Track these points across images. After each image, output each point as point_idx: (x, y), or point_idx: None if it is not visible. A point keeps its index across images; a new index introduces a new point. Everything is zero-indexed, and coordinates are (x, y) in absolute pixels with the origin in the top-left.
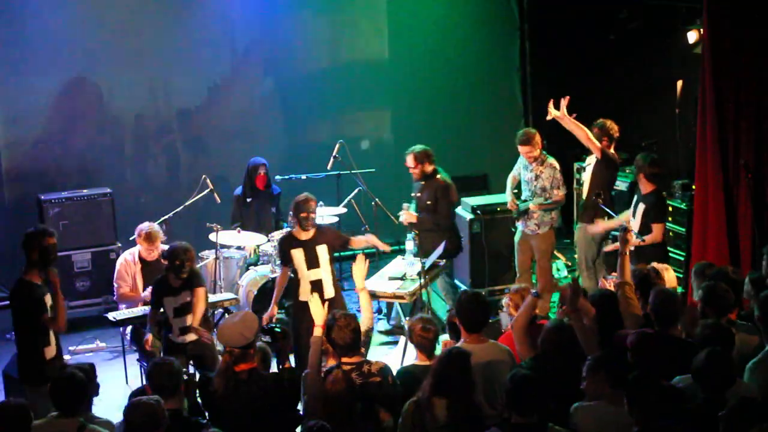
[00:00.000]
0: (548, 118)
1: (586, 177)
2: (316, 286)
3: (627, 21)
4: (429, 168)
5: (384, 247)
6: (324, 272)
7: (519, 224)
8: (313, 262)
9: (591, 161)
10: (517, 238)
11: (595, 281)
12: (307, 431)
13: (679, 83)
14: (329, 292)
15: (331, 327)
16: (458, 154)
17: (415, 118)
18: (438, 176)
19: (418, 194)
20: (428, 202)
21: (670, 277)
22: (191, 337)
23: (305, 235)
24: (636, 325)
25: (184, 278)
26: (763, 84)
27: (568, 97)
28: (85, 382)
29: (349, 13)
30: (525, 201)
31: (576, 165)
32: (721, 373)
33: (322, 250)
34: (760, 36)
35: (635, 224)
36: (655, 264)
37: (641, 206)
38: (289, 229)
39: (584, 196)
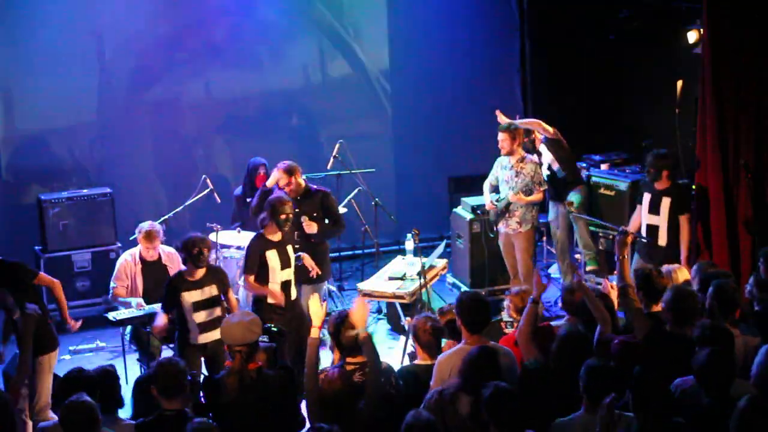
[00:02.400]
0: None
1: (549, 159)
2: (286, 286)
3: (627, 21)
4: (302, 181)
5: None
6: (292, 272)
7: (500, 227)
8: (286, 263)
9: (540, 150)
10: (500, 242)
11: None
12: None
13: (679, 83)
14: (294, 293)
15: (338, 326)
16: (458, 154)
17: (415, 118)
18: (315, 186)
19: (296, 210)
20: (314, 215)
21: (684, 276)
22: (214, 335)
23: (277, 237)
24: (645, 327)
25: (205, 269)
26: (763, 84)
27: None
28: (95, 409)
29: (348, 13)
30: (503, 198)
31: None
32: (722, 371)
33: (290, 250)
34: (760, 36)
35: (662, 220)
36: (666, 265)
37: (665, 200)
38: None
39: (561, 174)
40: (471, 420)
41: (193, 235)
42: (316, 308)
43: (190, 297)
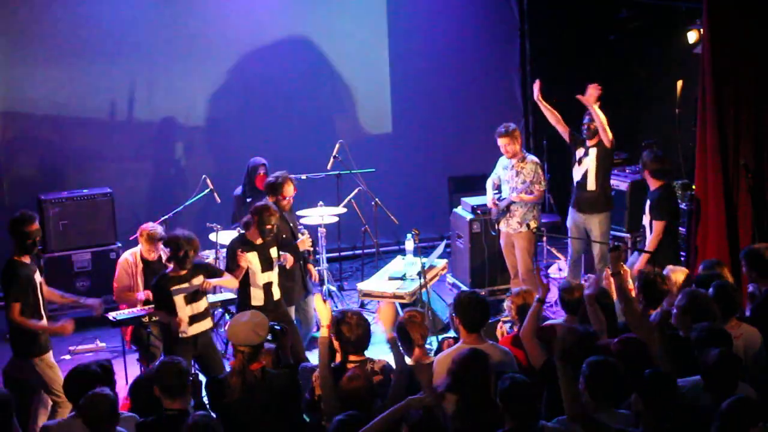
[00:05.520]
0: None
1: (590, 165)
2: (268, 288)
3: (627, 21)
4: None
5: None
6: (275, 274)
7: (501, 226)
8: (267, 265)
9: (587, 152)
10: (501, 241)
11: None
12: (338, 424)
13: (679, 83)
14: (277, 293)
15: (340, 323)
16: (458, 154)
17: (415, 118)
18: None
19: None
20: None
21: (681, 278)
22: (204, 326)
23: (260, 239)
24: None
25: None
26: (763, 84)
27: (538, 81)
28: (100, 375)
29: (348, 13)
30: (504, 198)
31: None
32: (730, 373)
33: (273, 252)
34: (760, 36)
35: (646, 221)
36: (670, 267)
37: (648, 203)
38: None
39: (591, 186)
40: (455, 418)
41: (181, 237)
42: (322, 308)
43: (179, 291)
